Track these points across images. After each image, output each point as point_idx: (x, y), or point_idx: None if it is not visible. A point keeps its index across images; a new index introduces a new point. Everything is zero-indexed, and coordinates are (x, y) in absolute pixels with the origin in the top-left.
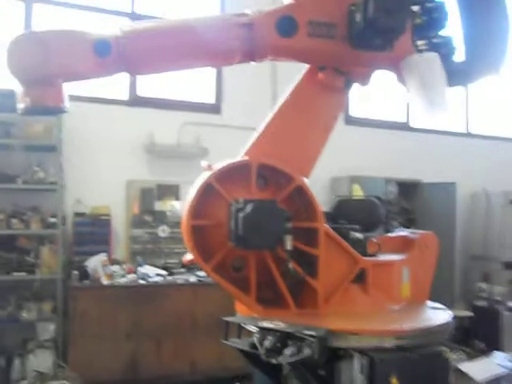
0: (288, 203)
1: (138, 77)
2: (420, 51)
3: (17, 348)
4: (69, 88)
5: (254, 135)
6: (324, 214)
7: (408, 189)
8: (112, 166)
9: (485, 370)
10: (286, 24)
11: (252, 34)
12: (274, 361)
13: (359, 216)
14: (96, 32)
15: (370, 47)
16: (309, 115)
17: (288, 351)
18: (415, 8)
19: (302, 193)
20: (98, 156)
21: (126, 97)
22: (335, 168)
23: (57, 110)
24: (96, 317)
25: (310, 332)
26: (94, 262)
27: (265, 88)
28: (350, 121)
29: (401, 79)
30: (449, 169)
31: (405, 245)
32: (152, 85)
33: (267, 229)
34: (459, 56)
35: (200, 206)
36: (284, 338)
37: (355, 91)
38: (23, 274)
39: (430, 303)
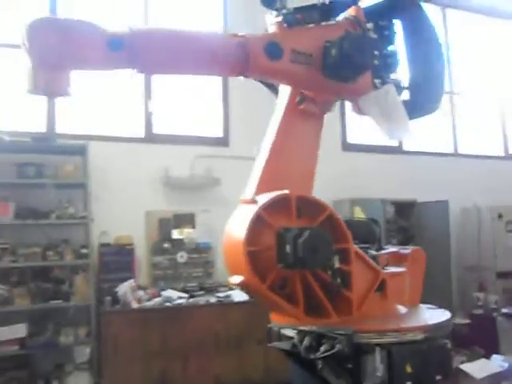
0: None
1: (154, 116)
2: (376, 88)
3: (55, 371)
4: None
5: (257, 169)
6: None
7: (404, 208)
8: (132, 198)
9: (483, 369)
10: (273, 48)
11: (245, 52)
12: (311, 356)
13: (359, 235)
14: (110, 28)
15: (338, 78)
16: (301, 141)
17: (322, 348)
18: (375, 52)
19: (332, 219)
20: (119, 190)
21: (142, 134)
22: (336, 191)
23: (62, 94)
24: (127, 338)
25: (339, 331)
26: (124, 288)
27: (267, 121)
28: (347, 147)
29: (355, 109)
30: (441, 187)
31: (398, 259)
32: (165, 122)
33: (321, 251)
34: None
35: (252, 235)
36: (319, 338)
37: (351, 119)
38: (59, 301)
39: (424, 306)
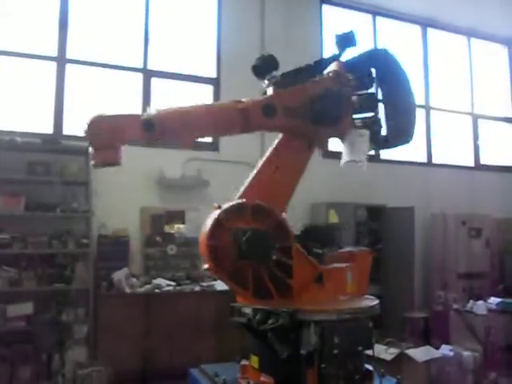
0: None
1: None
2: (357, 127)
3: (56, 345)
4: None
5: (247, 181)
6: (296, 236)
7: (375, 212)
8: (129, 196)
9: (425, 354)
10: (268, 109)
11: (246, 117)
12: (262, 328)
13: (320, 237)
14: (144, 113)
15: (323, 124)
16: (285, 168)
17: (270, 321)
18: (354, 98)
19: (280, 223)
20: (118, 188)
21: None
22: (315, 195)
23: (115, 164)
24: (120, 319)
25: (283, 309)
26: (119, 275)
27: None
28: (327, 155)
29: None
30: (413, 194)
31: (349, 257)
32: None
33: (260, 247)
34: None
35: (213, 232)
36: (268, 314)
37: None
38: (62, 285)
39: (366, 296)
